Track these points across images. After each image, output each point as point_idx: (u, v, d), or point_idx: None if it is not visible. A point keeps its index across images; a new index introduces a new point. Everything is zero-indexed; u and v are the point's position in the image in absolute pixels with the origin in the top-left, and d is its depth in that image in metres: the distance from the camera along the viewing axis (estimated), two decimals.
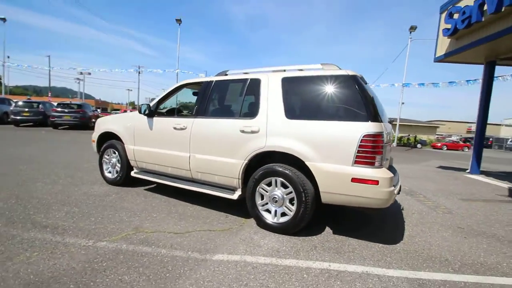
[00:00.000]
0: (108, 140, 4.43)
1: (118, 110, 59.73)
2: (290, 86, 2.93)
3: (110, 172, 4.42)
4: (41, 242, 2.40)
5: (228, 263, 2.23)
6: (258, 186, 2.96)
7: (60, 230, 2.66)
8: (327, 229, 3.07)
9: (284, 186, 2.84)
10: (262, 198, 2.98)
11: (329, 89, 2.73)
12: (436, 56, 7.26)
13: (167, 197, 3.91)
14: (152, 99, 4.02)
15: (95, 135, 4.59)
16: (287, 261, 2.32)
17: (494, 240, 3.06)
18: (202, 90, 3.53)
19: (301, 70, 3.15)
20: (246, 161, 3.01)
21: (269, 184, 2.92)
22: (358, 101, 2.55)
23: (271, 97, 2.97)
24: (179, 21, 21.53)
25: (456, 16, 6.15)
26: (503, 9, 4.78)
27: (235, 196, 3.13)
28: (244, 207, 3.17)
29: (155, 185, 4.49)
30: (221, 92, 3.53)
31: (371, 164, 2.44)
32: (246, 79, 3.25)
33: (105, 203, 3.51)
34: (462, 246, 2.84)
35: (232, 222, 3.12)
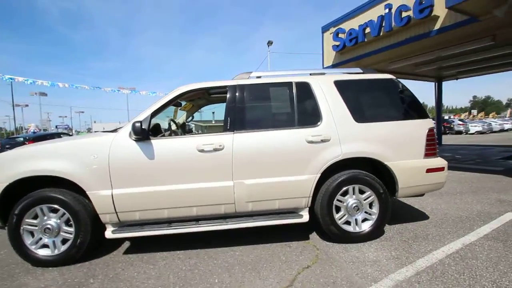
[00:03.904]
0: (24, 191, 2.51)
1: None
2: (347, 89, 2.84)
3: (46, 245, 2.52)
4: None
5: (392, 285, 1.94)
6: (335, 199, 2.69)
7: None
8: None
9: (360, 191, 2.74)
10: (338, 211, 2.74)
11: (385, 91, 2.91)
12: (325, 67, 9.15)
13: (178, 251, 2.71)
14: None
15: None
16: (422, 261, 2.30)
17: (464, 195, 4.27)
18: (232, 97, 2.72)
19: (323, 74, 3.11)
20: (319, 175, 2.64)
21: (344, 194, 2.73)
22: (414, 101, 2.89)
23: (332, 102, 2.76)
24: None
25: (342, 35, 8.03)
26: (381, 34, 6.80)
27: (306, 217, 2.69)
28: (282, 230, 2.70)
29: (124, 244, 2.99)
30: (259, 98, 2.85)
31: (435, 154, 2.83)
32: (290, 83, 2.83)
33: None
34: (464, 206, 3.72)
35: (307, 250, 2.63)
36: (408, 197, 3.02)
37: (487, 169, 6.00)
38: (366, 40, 7.20)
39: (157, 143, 2.55)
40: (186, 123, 4.25)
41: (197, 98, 3.77)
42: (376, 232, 2.76)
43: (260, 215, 2.71)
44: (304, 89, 2.81)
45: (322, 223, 2.69)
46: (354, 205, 2.71)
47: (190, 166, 2.53)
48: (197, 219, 2.66)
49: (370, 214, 2.76)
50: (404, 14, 6.09)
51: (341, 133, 2.68)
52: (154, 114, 2.66)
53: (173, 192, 2.51)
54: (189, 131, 4.59)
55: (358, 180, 2.69)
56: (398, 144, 2.74)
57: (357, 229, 2.73)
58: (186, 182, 2.53)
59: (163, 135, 3.09)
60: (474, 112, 65.26)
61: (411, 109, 2.88)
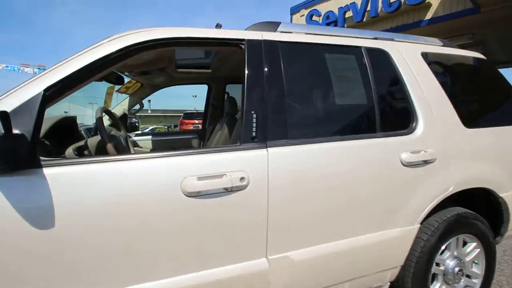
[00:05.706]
0: None
1: None
2: (440, 69, 1.67)
3: None
4: None
5: None
6: (433, 262, 1.51)
7: None
8: None
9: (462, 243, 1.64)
10: (433, 279, 1.57)
11: (485, 77, 1.87)
12: None
13: None
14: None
15: None
16: None
17: None
18: (255, 68, 1.22)
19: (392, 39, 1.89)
20: (418, 225, 1.42)
21: (442, 251, 1.58)
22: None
23: (427, 88, 1.54)
24: None
25: (317, 18, 7.02)
26: (365, 20, 6.03)
27: None
28: None
29: None
30: (309, 74, 1.41)
31: None
32: (358, 49, 1.49)
33: None
34: None
35: None
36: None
37: None
38: (346, 25, 6.35)
39: (65, 174, 0.90)
40: (129, 117, 2.49)
41: (156, 71, 2.04)
42: None
43: None
44: (382, 63, 1.51)
45: None
46: (457, 268, 1.58)
47: (164, 236, 0.98)
48: None
49: (470, 277, 1.69)
50: None
51: (447, 146, 1.50)
52: (56, 95, 0.98)
53: None
54: (134, 127, 2.82)
55: (465, 226, 1.57)
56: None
57: None
58: (147, 278, 0.97)
59: (84, 148, 1.37)
60: None
61: None
